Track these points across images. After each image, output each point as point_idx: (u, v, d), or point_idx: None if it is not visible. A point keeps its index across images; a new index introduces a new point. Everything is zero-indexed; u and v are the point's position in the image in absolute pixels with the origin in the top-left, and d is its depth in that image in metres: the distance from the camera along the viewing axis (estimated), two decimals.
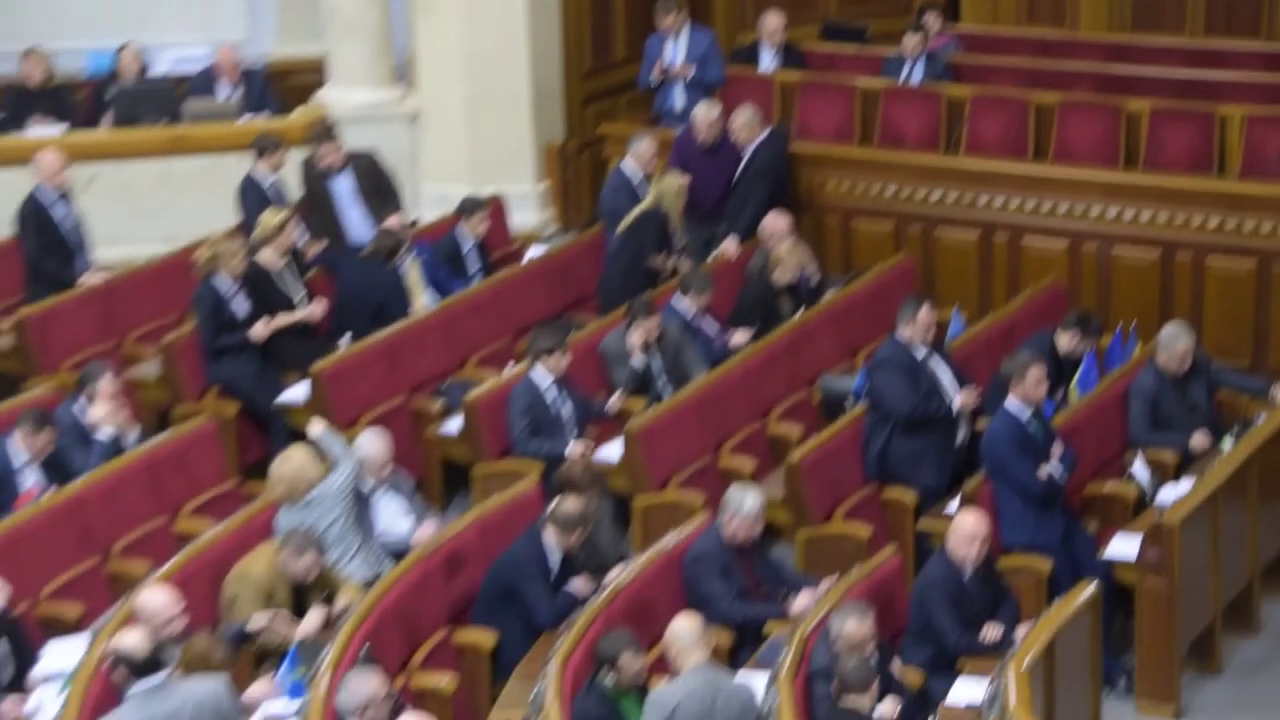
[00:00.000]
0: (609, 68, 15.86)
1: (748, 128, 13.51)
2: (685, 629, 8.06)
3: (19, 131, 13.96)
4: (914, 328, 10.84)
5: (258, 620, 8.93)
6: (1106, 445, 11.04)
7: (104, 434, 10.30)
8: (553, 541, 9.44)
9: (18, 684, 8.64)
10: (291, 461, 9.66)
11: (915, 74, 14.89)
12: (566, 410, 10.97)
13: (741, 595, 9.56)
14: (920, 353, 10.85)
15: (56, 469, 10.14)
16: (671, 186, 12.85)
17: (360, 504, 9.87)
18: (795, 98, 14.80)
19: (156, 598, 8.49)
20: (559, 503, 9.50)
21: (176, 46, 15.44)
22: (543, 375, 10.92)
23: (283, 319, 11.67)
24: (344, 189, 13.14)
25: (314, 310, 11.85)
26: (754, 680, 8.82)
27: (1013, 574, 9.85)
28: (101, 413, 10.31)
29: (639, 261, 12.75)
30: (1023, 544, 10.15)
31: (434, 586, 9.42)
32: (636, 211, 12.78)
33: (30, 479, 10.02)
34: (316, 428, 9.94)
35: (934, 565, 9.44)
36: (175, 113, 14.21)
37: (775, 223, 12.87)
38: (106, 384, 10.39)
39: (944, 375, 10.91)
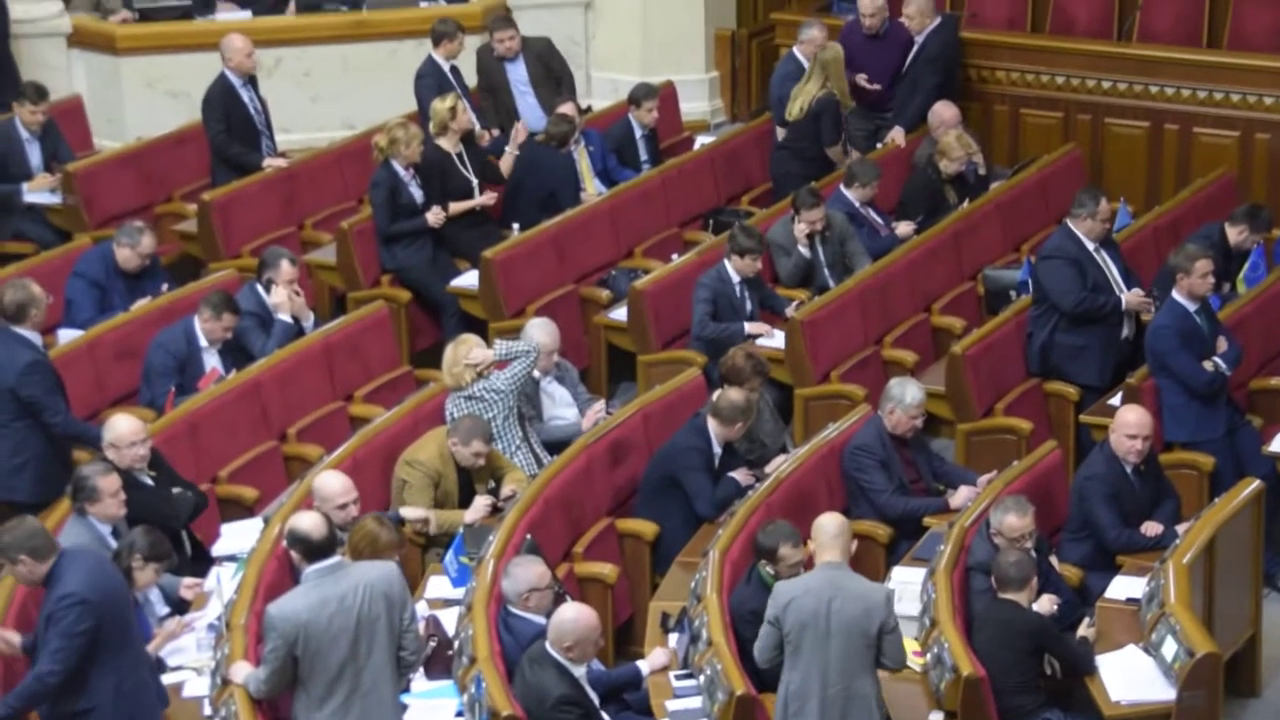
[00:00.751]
0: None
1: (920, 15, 13.42)
2: (825, 525, 8.06)
3: (208, 16, 14.21)
4: (1091, 221, 10.75)
5: (410, 514, 9.17)
6: (1273, 340, 10.95)
7: (283, 318, 10.60)
8: (715, 432, 9.58)
9: (196, 564, 9.00)
10: (462, 349, 9.88)
11: None
12: (749, 308, 11.10)
13: (901, 488, 9.65)
14: (1091, 245, 10.78)
15: (237, 351, 10.47)
16: (833, 55, 12.77)
17: (526, 402, 10.05)
18: None
19: (332, 481, 8.73)
20: (721, 394, 9.63)
21: None
22: (734, 271, 11.04)
23: (456, 206, 11.87)
24: (518, 76, 13.27)
25: (486, 198, 12.04)
26: (910, 574, 8.95)
27: (1175, 470, 9.83)
28: (280, 297, 10.61)
29: (814, 148, 12.77)
30: (1185, 439, 10.13)
31: (598, 475, 9.61)
32: (806, 98, 12.75)
33: (212, 361, 10.34)
34: (497, 346, 10.08)
35: (1095, 460, 9.45)
36: None
37: (943, 112, 12.82)
38: (286, 269, 10.66)
39: (1114, 268, 10.84)
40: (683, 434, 9.65)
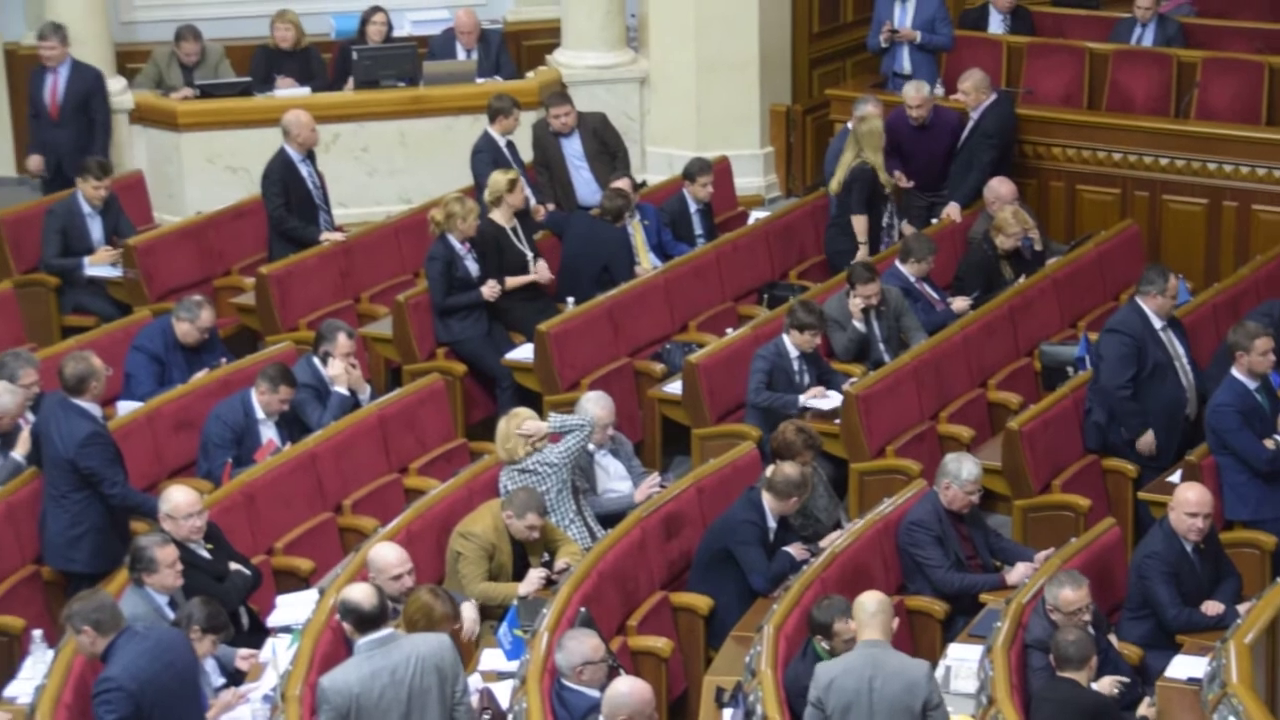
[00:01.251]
0: (837, 30, 15.85)
1: (975, 91, 13.46)
2: (865, 603, 8.04)
3: (267, 92, 14.37)
4: (1161, 298, 10.70)
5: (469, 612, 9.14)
6: None
7: (339, 390, 10.64)
8: (770, 506, 9.56)
9: (252, 635, 9.01)
10: (514, 422, 9.88)
11: (1146, 37, 14.66)
12: (806, 382, 11.09)
13: (957, 564, 9.60)
14: (1159, 323, 10.72)
15: (293, 424, 10.51)
16: (868, 129, 12.80)
17: (580, 475, 10.05)
18: (1023, 61, 14.67)
19: (387, 553, 8.72)
20: (776, 468, 9.61)
21: (419, 9, 15.72)
22: (792, 345, 11.04)
23: (512, 281, 11.92)
24: (574, 150, 13.35)
25: (541, 272, 12.08)
26: (966, 651, 8.88)
27: (1236, 548, 9.75)
28: (337, 370, 10.66)
29: (863, 206, 12.81)
30: (1247, 518, 10.05)
31: (652, 549, 9.59)
32: (843, 170, 12.81)
33: (269, 433, 10.38)
34: (552, 419, 10.06)
35: (1154, 538, 9.37)
36: (415, 74, 14.52)
37: (1000, 188, 12.82)
38: (343, 342, 10.71)
39: (1179, 348, 10.77)
40: (737, 508, 9.62)
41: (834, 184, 12.93)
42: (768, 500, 9.56)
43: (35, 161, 13.60)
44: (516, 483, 9.66)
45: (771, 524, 9.57)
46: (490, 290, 11.74)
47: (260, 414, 10.30)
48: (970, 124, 13.51)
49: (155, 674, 7.50)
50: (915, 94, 13.41)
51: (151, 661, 7.53)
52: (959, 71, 13.87)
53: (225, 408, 10.32)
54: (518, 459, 9.74)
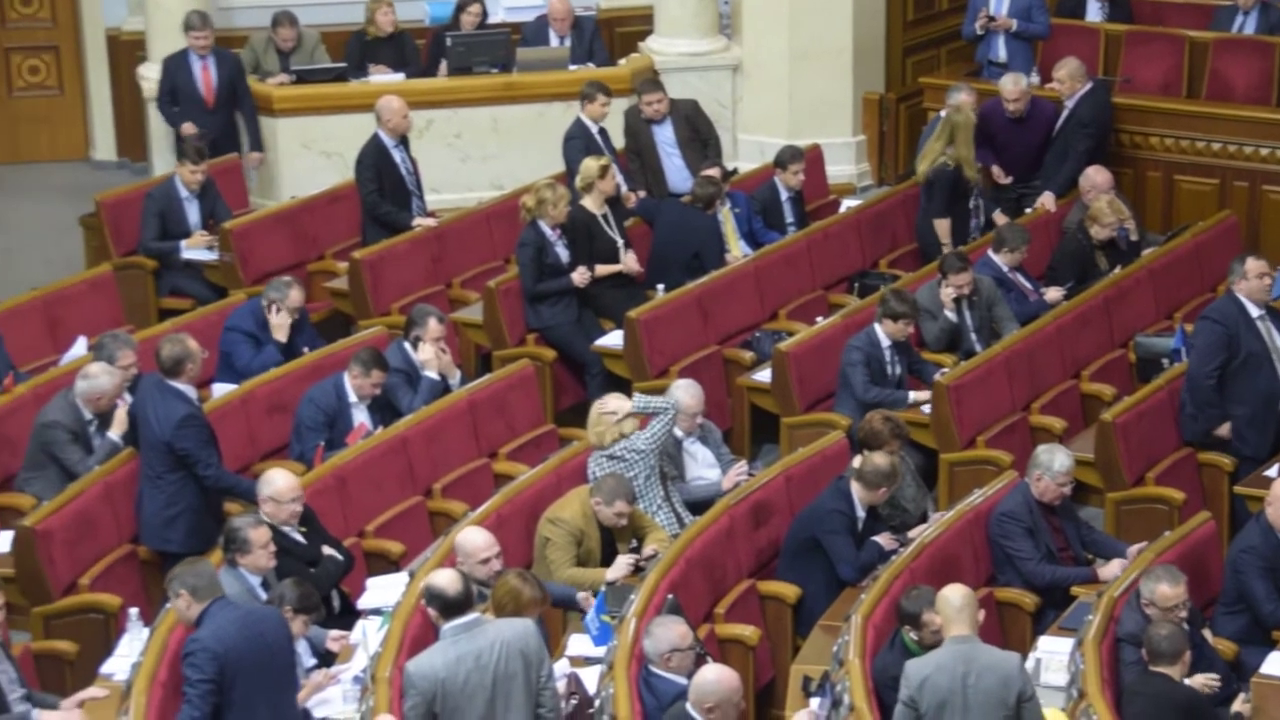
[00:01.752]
0: (932, 18, 15.76)
1: (1070, 80, 13.34)
2: (950, 598, 7.97)
3: (361, 78, 14.45)
4: (1246, 281, 10.59)
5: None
6: None
7: (429, 375, 10.70)
8: (858, 496, 9.52)
9: (343, 618, 9.08)
10: (606, 408, 9.90)
11: (1248, 25, 14.48)
12: (897, 371, 11.05)
13: (1048, 556, 9.54)
14: (1255, 311, 10.60)
15: (385, 408, 10.57)
16: (964, 120, 12.72)
17: (668, 461, 10.04)
18: (1121, 49, 14.53)
19: (474, 537, 8.74)
20: (866, 458, 9.58)
21: None
22: (884, 335, 11.00)
23: (602, 268, 11.94)
24: (665, 138, 13.34)
25: (630, 264, 12.07)
26: (1057, 644, 8.83)
27: None
28: (427, 354, 10.71)
29: (945, 209, 12.74)
30: None
31: (740, 536, 9.59)
32: (930, 158, 12.74)
33: (360, 416, 10.45)
34: (636, 399, 10.07)
35: (1250, 532, 9.27)
36: (508, 61, 14.56)
37: (1095, 177, 12.72)
38: (433, 327, 10.77)
39: (1277, 338, 10.63)
40: (826, 497, 9.60)
41: (920, 170, 12.88)
42: (856, 490, 9.53)
43: (190, 126, 13.71)
44: (604, 469, 9.67)
45: (860, 513, 9.54)
46: (580, 277, 11.76)
47: (352, 398, 10.37)
48: (1065, 113, 13.39)
49: (243, 642, 7.57)
50: (1013, 87, 13.31)
51: (240, 630, 7.60)
52: (1055, 60, 13.75)
53: (318, 391, 10.40)
54: (605, 444, 9.75)
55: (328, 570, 9.03)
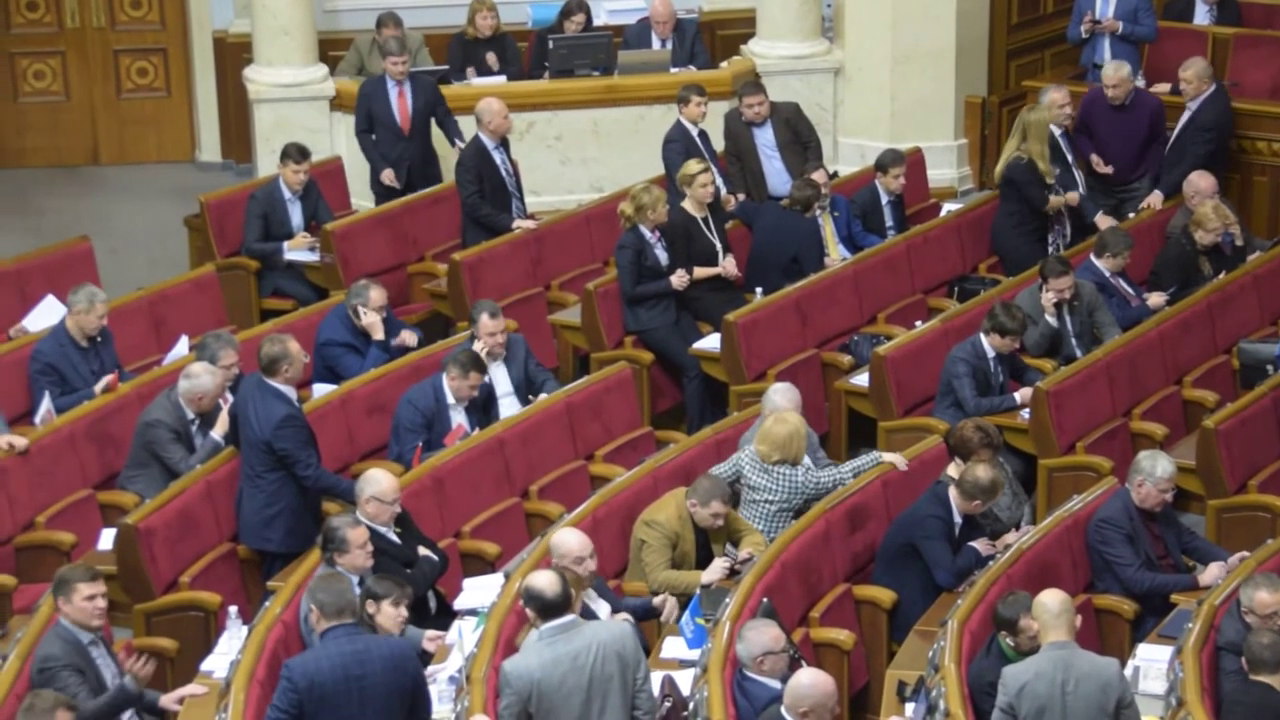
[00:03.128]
0: (1036, 21, 15.63)
1: (1197, 80, 13.18)
2: (1047, 604, 7.94)
3: (464, 80, 14.52)
4: None
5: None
6: None
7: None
8: (956, 503, 9.48)
9: (439, 618, 9.14)
10: (786, 426, 9.79)
11: None
12: (1001, 379, 10.99)
13: (1148, 563, 9.45)
14: None
15: (482, 409, 10.62)
16: (1036, 117, 12.64)
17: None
18: (1229, 53, 14.36)
19: (570, 538, 8.75)
20: (969, 468, 9.49)
21: None
22: (989, 346, 10.94)
23: (700, 271, 11.94)
24: (766, 140, 13.33)
25: (729, 267, 12.05)
26: (1156, 652, 8.74)
27: None
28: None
29: (1021, 212, 12.65)
30: None
31: (836, 541, 9.57)
32: (1004, 159, 12.67)
33: (458, 418, 10.50)
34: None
35: None
36: (609, 64, 14.59)
37: (1199, 181, 12.58)
38: (486, 321, 10.73)
39: None
40: (924, 502, 9.56)
41: (996, 173, 12.84)
42: (954, 497, 9.48)
43: (389, 174, 13.46)
44: (755, 480, 9.71)
45: (957, 519, 9.49)
46: (679, 279, 11.77)
47: (451, 399, 10.43)
48: (1187, 115, 13.21)
49: (331, 681, 7.52)
50: (1114, 73, 13.22)
51: (334, 669, 7.55)
52: (1161, 63, 13.62)
53: (417, 392, 10.47)
54: (767, 460, 9.73)
55: (423, 571, 9.09)
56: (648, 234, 11.76)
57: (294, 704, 7.51)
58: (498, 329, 10.78)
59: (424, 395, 10.45)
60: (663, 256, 11.83)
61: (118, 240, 14.27)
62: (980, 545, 9.47)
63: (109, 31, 15.84)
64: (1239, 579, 8.79)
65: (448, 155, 13.64)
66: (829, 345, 11.88)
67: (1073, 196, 12.84)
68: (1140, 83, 13.87)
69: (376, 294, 11.18)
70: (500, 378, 10.85)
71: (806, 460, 9.98)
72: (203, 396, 10.08)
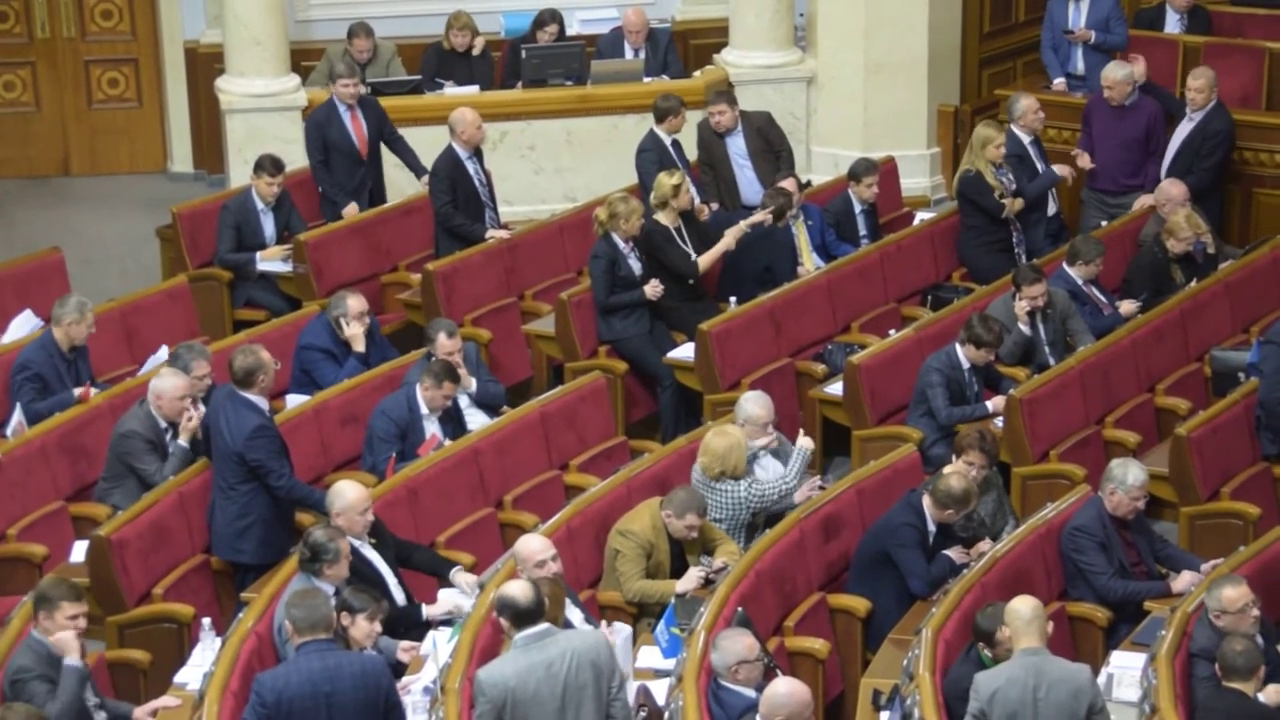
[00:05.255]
0: (1009, 29, 15.68)
1: (1209, 89, 13.23)
2: (1019, 610, 7.96)
3: (436, 90, 14.51)
4: None
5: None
6: None
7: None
8: (930, 511, 9.49)
9: (413, 627, 9.10)
10: (727, 439, 9.81)
11: None
12: (976, 389, 11.01)
13: (1121, 571, 9.47)
14: None
15: (455, 419, 10.60)
16: (980, 135, 12.71)
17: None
18: (1199, 62, 14.38)
19: (531, 542, 8.78)
20: (943, 478, 9.50)
21: (587, 8, 15.77)
22: (965, 358, 10.95)
23: (707, 258, 11.94)
24: (737, 149, 13.33)
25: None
26: (1129, 659, 8.76)
27: None
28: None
29: (982, 225, 12.74)
30: None
31: (810, 550, 9.57)
32: (956, 178, 12.75)
33: (432, 428, 10.48)
34: (805, 441, 10.18)
35: None
36: (582, 73, 14.59)
37: (1171, 189, 12.63)
38: (443, 342, 10.67)
39: None
40: (898, 510, 9.57)
41: (954, 189, 12.94)
42: (929, 508, 9.49)
43: (353, 208, 13.09)
44: (703, 486, 9.73)
45: (931, 528, 9.50)
46: (653, 290, 11.76)
47: (424, 409, 10.42)
48: (1193, 124, 13.24)
49: (300, 697, 7.53)
50: (1114, 73, 13.28)
51: (303, 684, 7.56)
52: None
53: (391, 403, 10.45)
54: (708, 474, 9.74)
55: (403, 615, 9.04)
56: (621, 244, 11.76)
57: (264, 718, 7.50)
58: (455, 348, 10.76)
59: (397, 406, 10.43)
60: (636, 266, 11.83)
61: (89, 251, 14.22)
62: (954, 554, 9.48)
63: (80, 42, 15.79)
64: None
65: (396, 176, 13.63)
66: (803, 354, 11.89)
67: (1070, 167, 13.02)
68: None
69: (355, 302, 11.16)
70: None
71: (775, 467, 10.01)
72: (160, 397, 10.00)
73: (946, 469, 9.60)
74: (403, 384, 10.64)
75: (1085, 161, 13.34)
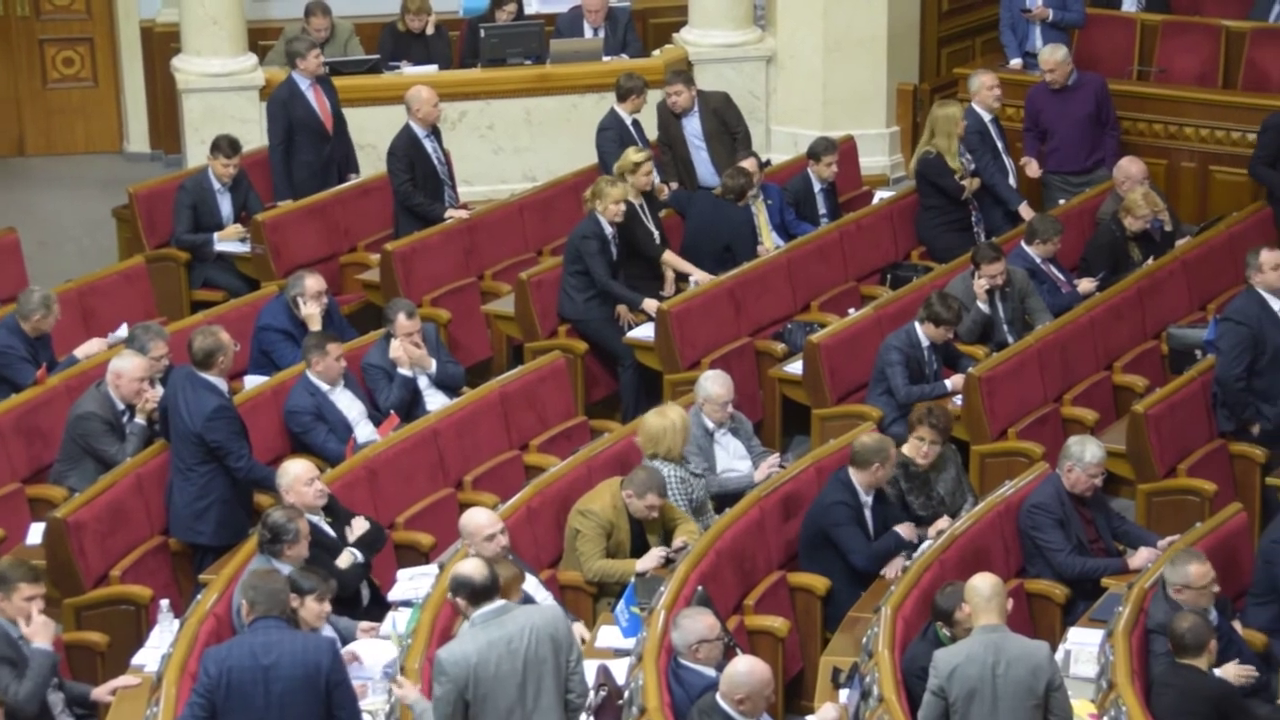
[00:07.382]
0: (967, 8, 15.71)
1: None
2: (979, 587, 7.99)
3: (394, 69, 14.45)
4: (1262, 274, 10.56)
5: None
6: None
7: (403, 372, 10.63)
8: (858, 481, 9.48)
9: (373, 609, 9.10)
10: (664, 420, 9.78)
11: None
12: (935, 367, 11.03)
13: (1079, 548, 9.51)
14: (1276, 303, 10.55)
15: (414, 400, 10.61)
16: (944, 113, 12.74)
17: (699, 455, 10.01)
18: (1156, 39, 14.47)
19: (478, 516, 8.76)
20: (856, 440, 9.54)
21: None
22: (924, 336, 10.97)
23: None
24: (693, 130, 13.33)
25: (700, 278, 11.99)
26: (1087, 636, 8.80)
27: None
28: (397, 351, 10.62)
29: (940, 205, 12.77)
30: None
31: (770, 529, 9.58)
32: (914, 159, 12.76)
33: (343, 401, 10.36)
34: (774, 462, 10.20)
35: None
36: (541, 53, 14.55)
37: (1129, 167, 12.68)
38: (403, 322, 10.64)
39: None
40: (828, 490, 9.57)
41: (910, 170, 12.94)
42: (855, 475, 9.48)
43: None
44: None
45: (865, 499, 9.50)
46: (652, 307, 11.60)
47: (324, 385, 10.38)
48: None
49: (239, 669, 7.55)
50: (1049, 56, 13.30)
51: (244, 655, 7.60)
52: (1091, 50, 13.67)
53: (293, 401, 10.38)
54: (645, 453, 9.72)
55: (355, 572, 9.02)
56: (605, 225, 11.68)
57: (207, 689, 7.57)
58: (414, 329, 10.72)
59: (299, 397, 10.35)
60: (614, 251, 11.78)
61: (45, 232, 14.15)
62: (903, 529, 9.50)
63: (34, 21, 15.69)
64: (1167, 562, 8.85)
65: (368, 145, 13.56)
66: (763, 333, 11.90)
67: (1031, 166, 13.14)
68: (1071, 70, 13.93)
69: (312, 282, 11.10)
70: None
71: (735, 446, 10.02)
72: (119, 376, 9.94)
73: (861, 434, 9.60)
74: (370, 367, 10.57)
75: (1034, 170, 13.40)
